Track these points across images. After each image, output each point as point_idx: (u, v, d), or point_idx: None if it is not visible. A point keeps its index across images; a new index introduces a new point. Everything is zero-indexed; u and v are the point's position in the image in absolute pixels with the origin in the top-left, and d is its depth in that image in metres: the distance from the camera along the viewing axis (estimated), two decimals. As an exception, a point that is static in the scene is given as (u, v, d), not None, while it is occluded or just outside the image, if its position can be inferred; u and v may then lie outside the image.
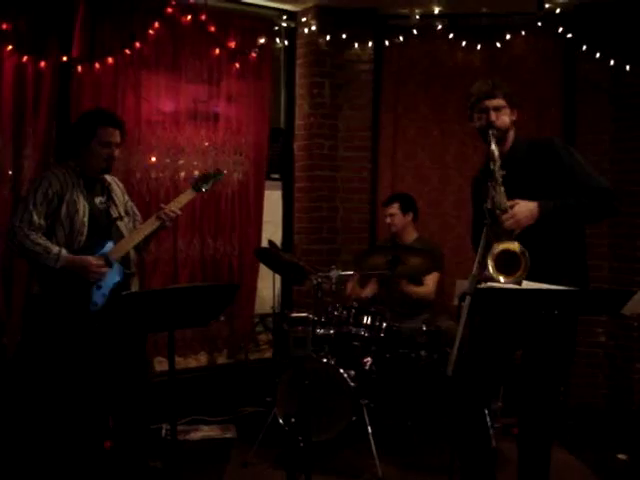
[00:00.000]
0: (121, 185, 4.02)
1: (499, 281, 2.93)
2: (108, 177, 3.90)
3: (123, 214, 3.88)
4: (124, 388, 3.81)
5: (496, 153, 3.15)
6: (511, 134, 3.36)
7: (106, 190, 3.85)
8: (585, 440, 4.71)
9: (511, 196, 3.12)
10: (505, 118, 3.30)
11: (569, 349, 3.36)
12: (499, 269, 2.96)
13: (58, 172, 3.72)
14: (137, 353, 3.88)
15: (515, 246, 2.97)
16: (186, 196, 3.96)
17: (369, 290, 5.24)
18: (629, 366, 5.33)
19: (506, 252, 2.98)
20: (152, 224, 3.80)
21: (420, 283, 5.09)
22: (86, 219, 3.68)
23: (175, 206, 3.84)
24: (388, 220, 5.16)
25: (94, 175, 3.78)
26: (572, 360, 3.43)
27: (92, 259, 3.61)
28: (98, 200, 3.79)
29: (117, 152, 3.78)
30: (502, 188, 3.10)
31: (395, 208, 5.14)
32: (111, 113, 3.90)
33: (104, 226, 3.76)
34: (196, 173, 5.17)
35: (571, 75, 5.57)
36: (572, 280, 3.00)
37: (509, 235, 3.02)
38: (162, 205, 3.89)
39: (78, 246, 3.65)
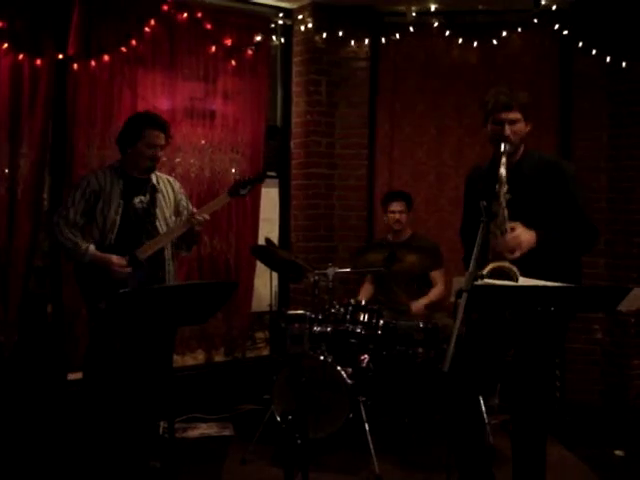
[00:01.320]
0: (177, 185, 4.16)
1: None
2: (160, 176, 4.06)
3: (167, 214, 3.99)
4: (140, 385, 3.85)
5: (504, 176, 3.11)
6: (522, 147, 3.35)
7: (150, 190, 3.96)
8: (582, 436, 4.72)
9: (511, 208, 3.11)
10: (519, 132, 3.27)
11: (558, 344, 3.38)
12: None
13: (99, 172, 3.95)
14: (161, 350, 3.87)
15: (506, 264, 2.98)
16: (220, 200, 4.09)
17: (365, 293, 5.24)
18: (625, 363, 5.34)
19: (499, 269, 3.00)
20: (181, 227, 3.94)
21: (427, 284, 5.10)
22: (118, 217, 3.85)
23: (206, 211, 3.96)
24: (396, 216, 5.12)
25: (138, 175, 3.93)
26: (561, 354, 3.45)
27: (114, 258, 3.76)
28: (138, 199, 3.92)
29: (161, 153, 3.97)
30: (506, 211, 3.09)
31: (403, 205, 5.14)
32: (157, 115, 4.05)
33: (137, 226, 3.88)
34: (193, 170, 5.19)
35: (567, 72, 5.57)
36: (565, 278, 3.00)
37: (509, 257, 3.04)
38: (193, 209, 4.03)
39: (109, 243, 3.82)
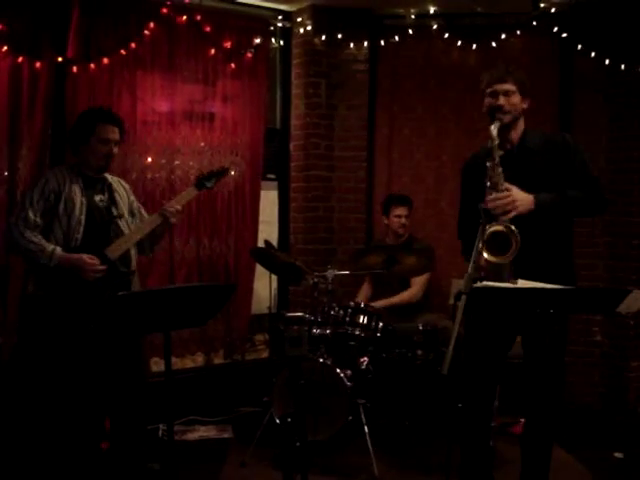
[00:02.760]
0: (127, 186, 4.06)
1: (492, 261, 2.97)
2: (111, 178, 3.93)
3: (126, 214, 3.90)
4: (121, 389, 3.82)
5: (495, 133, 3.15)
6: (521, 123, 3.36)
7: (107, 189, 3.87)
8: (581, 439, 4.71)
9: (521, 184, 3.15)
10: (515, 102, 3.29)
11: (564, 345, 3.38)
12: (492, 252, 2.98)
13: (57, 171, 3.78)
14: (134, 354, 3.88)
15: (500, 227, 3.01)
16: (188, 194, 4.01)
17: (363, 295, 5.24)
18: (625, 365, 5.34)
19: (495, 234, 3.01)
20: (154, 221, 3.85)
21: (407, 286, 5.11)
22: (83, 217, 3.70)
23: (175, 203, 3.88)
24: (402, 221, 5.12)
25: (93, 174, 3.81)
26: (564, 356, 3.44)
27: (86, 257, 3.62)
28: (98, 198, 3.81)
29: (116, 150, 3.82)
30: (500, 169, 3.12)
31: (407, 210, 5.15)
32: (110, 111, 3.92)
33: (102, 224, 3.77)
34: (192, 173, 5.18)
35: (567, 74, 5.58)
36: (559, 279, 3.00)
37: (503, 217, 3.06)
38: (164, 202, 3.96)
39: (75, 244, 3.67)
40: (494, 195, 3.10)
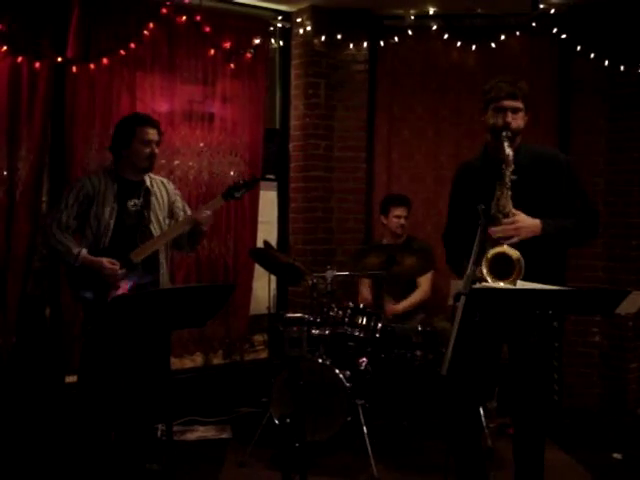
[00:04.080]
0: (170, 187, 4.13)
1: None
2: (152, 180, 4.02)
3: (160, 217, 3.97)
4: (135, 388, 3.84)
5: (511, 157, 3.11)
6: (519, 139, 3.33)
7: (143, 193, 3.94)
8: (580, 439, 4.72)
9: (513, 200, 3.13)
10: (520, 122, 3.26)
11: (554, 346, 3.39)
12: (492, 271, 2.98)
13: (93, 176, 3.92)
14: (159, 353, 3.87)
15: (512, 252, 2.99)
16: (215, 203, 4.04)
17: (363, 297, 5.25)
18: (624, 366, 5.34)
19: (501, 255, 3.00)
20: (178, 228, 3.92)
21: (413, 286, 5.10)
22: (112, 221, 3.82)
23: (206, 209, 3.95)
24: (401, 222, 5.12)
25: (135, 177, 3.91)
26: (558, 357, 3.45)
27: (105, 261, 3.72)
28: (132, 203, 3.90)
29: (157, 150, 3.94)
30: (510, 193, 3.10)
31: (406, 210, 5.15)
32: (146, 114, 4.07)
33: (131, 228, 3.86)
34: (191, 173, 5.19)
35: (566, 75, 5.58)
36: (549, 279, 3.01)
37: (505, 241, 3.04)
38: (188, 210, 4.06)
39: (103, 247, 3.79)
40: (501, 228, 3.06)
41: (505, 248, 3.01)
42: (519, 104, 3.24)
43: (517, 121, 3.23)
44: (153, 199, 3.97)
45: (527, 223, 3.10)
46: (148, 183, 3.98)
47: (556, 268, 3.32)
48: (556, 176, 3.27)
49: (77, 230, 3.84)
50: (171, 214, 4.05)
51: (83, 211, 3.82)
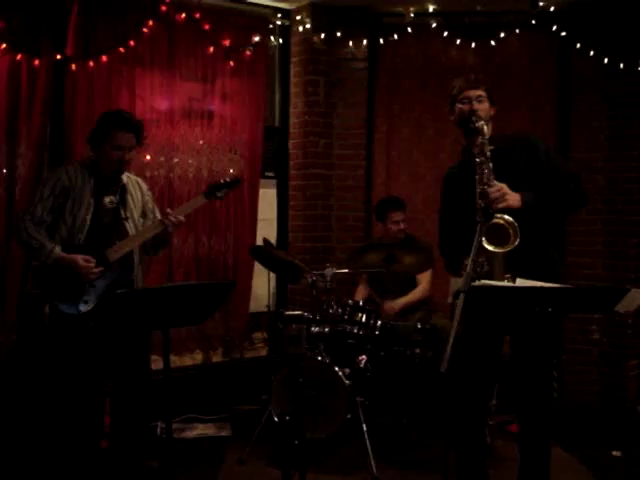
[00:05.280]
0: (145, 187, 4.02)
1: (494, 251, 3.02)
2: (128, 178, 3.91)
3: (136, 216, 3.87)
4: (125, 386, 3.82)
5: (485, 128, 3.21)
6: (489, 128, 3.37)
7: (120, 190, 3.83)
8: (579, 437, 4.72)
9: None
10: (486, 108, 3.36)
11: (556, 344, 3.40)
12: (491, 242, 3.02)
13: (70, 168, 3.77)
14: (139, 351, 3.87)
15: (503, 220, 3.05)
16: (195, 202, 3.95)
17: (360, 294, 5.24)
18: (623, 363, 5.34)
19: (495, 227, 3.04)
20: (154, 228, 3.78)
21: (412, 284, 5.10)
22: (88, 217, 3.69)
23: (180, 213, 3.79)
24: (400, 226, 5.07)
25: (107, 175, 3.79)
26: (559, 354, 3.46)
27: (80, 259, 3.61)
28: (108, 199, 3.78)
29: (131, 155, 3.77)
30: (490, 164, 3.15)
31: (404, 213, 5.10)
32: (128, 116, 3.85)
33: (108, 225, 3.75)
34: (191, 171, 5.19)
35: (565, 73, 5.58)
36: (546, 278, 3.01)
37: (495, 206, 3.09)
38: (168, 210, 3.83)
39: (78, 244, 3.67)
40: (489, 189, 3.11)
41: (497, 219, 3.05)
42: (482, 92, 3.37)
43: (483, 107, 3.34)
44: (129, 197, 3.86)
45: (509, 191, 3.15)
46: (125, 180, 3.87)
47: (554, 263, 3.33)
48: (533, 155, 3.34)
49: (50, 226, 3.68)
50: (144, 214, 3.95)
51: (59, 205, 3.66)
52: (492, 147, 3.19)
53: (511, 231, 3.03)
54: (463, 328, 3.31)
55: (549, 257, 3.32)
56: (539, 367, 3.31)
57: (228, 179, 4.01)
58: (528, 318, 2.96)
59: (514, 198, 3.15)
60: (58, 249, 3.61)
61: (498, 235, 3.05)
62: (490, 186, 3.12)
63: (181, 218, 3.77)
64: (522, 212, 3.14)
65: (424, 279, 5.10)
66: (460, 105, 3.39)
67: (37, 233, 3.62)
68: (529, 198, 3.18)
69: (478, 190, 3.14)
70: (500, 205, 3.09)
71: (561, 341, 3.41)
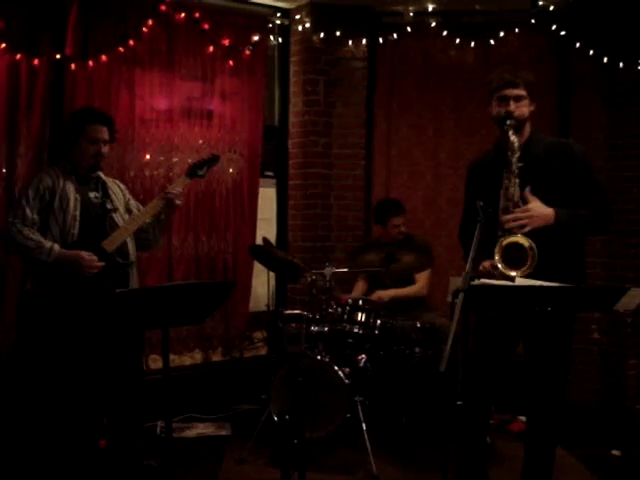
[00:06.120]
0: (122, 186, 4.08)
1: (507, 275, 2.98)
2: (105, 177, 3.95)
3: (121, 208, 3.91)
4: (119, 386, 3.82)
5: (516, 144, 3.12)
6: (527, 127, 3.31)
7: (101, 186, 3.89)
8: (579, 436, 4.72)
9: (524, 189, 3.12)
10: (524, 109, 3.24)
11: (569, 345, 3.37)
12: (505, 260, 2.99)
13: (50, 170, 3.81)
14: (132, 350, 3.88)
15: (524, 240, 3.00)
16: (180, 182, 4.01)
17: (358, 291, 5.23)
18: (622, 362, 5.35)
19: (514, 245, 3.01)
20: (155, 206, 3.86)
21: (411, 282, 5.10)
22: (78, 212, 3.72)
23: (172, 189, 3.91)
24: (401, 229, 5.05)
25: (85, 172, 3.83)
26: (570, 356, 3.43)
27: (84, 254, 3.63)
28: (92, 195, 3.84)
29: (105, 149, 3.83)
30: (517, 180, 3.10)
31: (403, 217, 5.08)
32: (99, 111, 3.94)
33: (97, 218, 3.79)
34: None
35: (565, 72, 5.58)
36: (570, 278, 3.01)
37: (517, 230, 3.05)
38: (167, 188, 3.98)
39: (72, 239, 3.69)
40: (512, 216, 3.07)
41: (518, 237, 3.01)
42: (521, 91, 3.23)
43: (520, 109, 3.22)
44: (110, 192, 3.91)
45: (540, 212, 3.09)
46: (103, 177, 3.93)
47: (574, 262, 3.31)
48: (570, 165, 3.24)
49: (40, 227, 3.68)
50: (128, 210, 3.99)
51: (45, 205, 3.68)
52: (522, 164, 3.11)
53: (529, 255, 2.98)
54: (475, 328, 3.30)
55: (570, 259, 3.29)
56: (550, 369, 3.29)
57: (207, 157, 4.15)
58: (539, 320, 2.95)
59: (543, 219, 3.08)
60: (57, 246, 3.62)
61: (516, 254, 3.00)
62: (515, 204, 3.06)
63: (179, 189, 3.91)
64: (554, 229, 3.10)
65: (422, 278, 5.10)
66: (497, 102, 3.25)
67: (32, 234, 3.63)
68: (562, 217, 3.11)
69: (501, 206, 3.09)
70: (525, 230, 3.04)
71: (571, 340, 3.36)
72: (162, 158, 5.07)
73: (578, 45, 5.41)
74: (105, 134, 3.80)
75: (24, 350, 3.95)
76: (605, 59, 5.34)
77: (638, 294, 3.14)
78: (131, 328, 3.57)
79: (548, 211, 3.10)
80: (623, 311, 4.77)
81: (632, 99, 5.30)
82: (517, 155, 3.12)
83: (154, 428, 4.63)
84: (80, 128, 3.75)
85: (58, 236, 3.68)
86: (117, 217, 3.86)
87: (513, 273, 2.99)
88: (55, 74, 4.62)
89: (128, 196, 4.05)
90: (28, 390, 3.88)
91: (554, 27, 5.44)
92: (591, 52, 5.37)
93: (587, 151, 5.30)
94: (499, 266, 2.99)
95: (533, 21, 5.47)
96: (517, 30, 5.57)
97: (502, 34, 5.58)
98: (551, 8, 5.37)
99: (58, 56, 4.57)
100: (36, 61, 4.50)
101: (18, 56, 4.45)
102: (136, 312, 2.94)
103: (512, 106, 3.20)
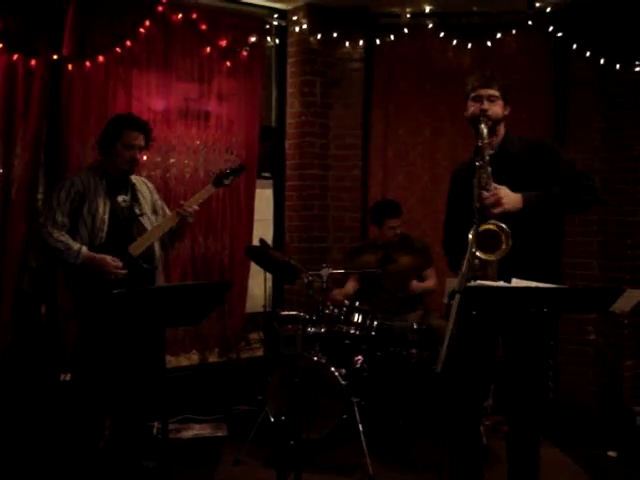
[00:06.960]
0: (151, 185, 4.18)
1: (488, 259, 3.02)
2: (135, 178, 4.05)
3: (149, 212, 4.01)
4: (138, 385, 3.85)
5: (485, 132, 3.19)
6: (502, 128, 3.39)
7: (130, 189, 3.98)
8: (575, 437, 4.73)
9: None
10: (498, 109, 3.32)
11: (547, 344, 3.40)
12: (482, 248, 3.01)
13: (81, 173, 3.92)
14: (154, 350, 3.87)
15: (491, 225, 3.04)
16: (206, 192, 4.09)
17: (349, 288, 5.21)
18: (619, 363, 5.35)
19: (487, 232, 3.04)
20: (172, 220, 3.96)
21: (406, 285, 5.09)
22: (106, 216, 3.82)
23: (193, 202, 3.98)
24: (397, 231, 5.04)
25: (117, 176, 3.91)
26: (551, 354, 3.46)
27: (109, 259, 3.72)
28: (121, 198, 3.92)
29: (140, 155, 3.94)
30: (489, 169, 3.13)
31: (400, 219, 5.08)
32: (137, 118, 4.03)
33: (125, 222, 3.88)
34: (187, 171, 5.19)
35: (561, 74, 5.58)
36: (544, 277, 3.01)
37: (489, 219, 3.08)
38: (181, 202, 4.03)
39: (100, 242, 3.78)
40: (484, 194, 3.11)
41: (490, 224, 3.05)
42: (494, 92, 3.32)
43: (494, 108, 3.30)
44: (139, 195, 4.01)
45: (509, 195, 3.14)
46: (133, 180, 4.02)
47: (550, 264, 3.33)
48: (545, 161, 3.31)
49: (69, 230, 3.79)
50: (155, 212, 4.09)
51: (75, 209, 3.78)
52: (492, 152, 3.17)
53: (503, 237, 3.02)
54: (458, 328, 3.32)
55: (546, 259, 3.32)
56: (529, 368, 3.31)
57: (233, 167, 4.22)
58: (519, 319, 2.98)
59: (513, 201, 3.13)
60: (85, 249, 3.72)
61: (492, 241, 3.04)
62: (487, 190, 3.11)
63: (195, 207, 3.97)
64: (522, 213, 3.14)
65: (430, 275, 5.11)
66: (471, 103, 3.35)
67: (62, 236, 3.73)
68: (530, 197, 3.17)
69: (476, 193, 3.14)
70: (496, 210, 3.09)
71: (554, 342, 3.40)
72: (159, 159, 5.07)
73: (575, 46, 5.41)
74: (141, 141, 3.90)
75: (21, 351, 3.95)
76: (602, 60, 5.34)
77: (634, 295, 3.14)
78: (128, 329, 3.57)
79: (517, 195, 3.16)
80: (619, 312, 4.77)
81: (628, 101, 5.30)
82: (487, 141, 3.18)
83: (151, 429, 4.62)
84: (117, 133, 3.85)
85: (86, 239, 3.78)
86: (145, 221, 3.95)
87: (493, 257, 3.03)
88: (52, 75, 4.62)
89: (156, 196, 4.15)
90: (24, 390, 3.88)
91: (551, 28, 5.45)
92: (588, 53, 5.37)
93: (583, 152, 5.41)
94: (477, 253, 3.01)
95: (530, 22, 5.47)
96: (514, 31, 5.57)
97: (499, 35, 5.58)
98: (548, 9, 5.38)
99: (55, 57, 4.57)
100: (33, 62, 4.50)
101: (15, 56, 4.44)
102: (133, 313, 2.95)
103: (486, 104, 3.29)
